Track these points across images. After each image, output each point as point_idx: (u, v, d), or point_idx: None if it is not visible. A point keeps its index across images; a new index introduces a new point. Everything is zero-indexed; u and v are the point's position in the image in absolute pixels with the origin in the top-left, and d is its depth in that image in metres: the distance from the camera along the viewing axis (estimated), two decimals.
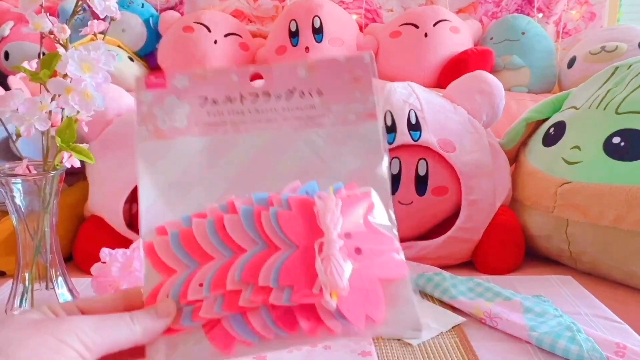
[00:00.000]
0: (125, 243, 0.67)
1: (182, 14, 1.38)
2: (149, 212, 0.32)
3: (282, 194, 0.32)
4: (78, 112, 0.58)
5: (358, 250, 0.31)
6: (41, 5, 0.57)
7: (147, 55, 1.36)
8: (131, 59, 1.27)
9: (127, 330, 0.28)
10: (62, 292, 0.64)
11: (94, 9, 0.59)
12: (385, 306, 0.31)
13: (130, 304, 0.31)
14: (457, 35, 1.26)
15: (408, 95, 0.89)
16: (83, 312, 0.30)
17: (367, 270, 0.31)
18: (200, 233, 0.31)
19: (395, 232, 0.33)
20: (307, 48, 1.23)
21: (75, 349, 0.26)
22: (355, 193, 0.32)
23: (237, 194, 0.32)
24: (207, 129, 0.34)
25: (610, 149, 0.78)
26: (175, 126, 0.34)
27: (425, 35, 1.24)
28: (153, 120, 0.34)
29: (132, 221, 0.86)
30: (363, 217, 0.32)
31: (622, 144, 0.78)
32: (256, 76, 0.35)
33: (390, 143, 0.84)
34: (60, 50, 0.57)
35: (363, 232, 0.32)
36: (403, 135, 0.84)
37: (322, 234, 0.30)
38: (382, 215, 0.33)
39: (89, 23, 0.62)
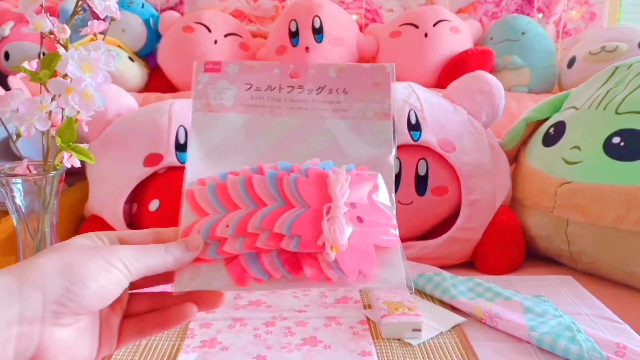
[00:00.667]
0: None
1: (182, 14, 1.38)
2: (193, 168, 0.39)
3: (303, 165, 0.38)
4: (78, 112, 0.58)
5: (360, 219, 0.36)
6: (41, 5, 0.57)
7: (147, 56, 1.35)
8: (131, 59, 1.27)
9: (161, 259, 0.34)
10: None
11: (94, 9, 0.59)
12: (376, 267, 0.36)
13: (159, 239, 0.36)
14: (457, 35, 1.26)
15: (408, 95, 0.89)
16: (121, 242, 0.35)
17: (364, 235, 0.36)
18: (232, 187, 0.37)
19: (394, 212, 0.38)
20: (307, 48, 1.22)
21: (121, 271, 0.32)
22: (364, 174, 0.38)
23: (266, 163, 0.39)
24: (248, 108, 0.41)
25: (610, 149, 0.78)
26: (223, 104, 0.41)
27: (425, 35, 1.24)
28: (206, 97, 0.41)
29: (132, 221, 0.86)
30: (368, 194, 0.37)
31: (622, 144, 0.78)
32: (295, 76, 0.42)
33: None
34: (60, 50, 0.57)
35: (366, 206, 0.37)
36: (403, 135, 0.84)
37: (331, 200, 0.36)
38: (384, 196, 0.38)
39: (89, 23, 0.62)
